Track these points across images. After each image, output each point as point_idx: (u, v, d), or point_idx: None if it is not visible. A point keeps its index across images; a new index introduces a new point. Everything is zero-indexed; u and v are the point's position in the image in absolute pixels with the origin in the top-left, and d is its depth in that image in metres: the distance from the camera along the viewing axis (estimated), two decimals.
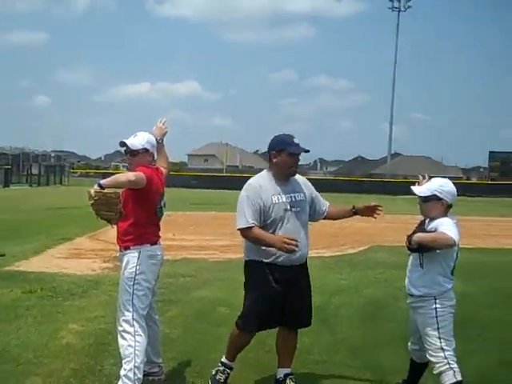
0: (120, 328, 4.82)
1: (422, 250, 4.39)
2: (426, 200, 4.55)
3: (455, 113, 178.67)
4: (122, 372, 4.71)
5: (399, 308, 7.03)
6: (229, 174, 62.74)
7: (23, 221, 18.27)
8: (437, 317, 4.43)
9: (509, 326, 7.11)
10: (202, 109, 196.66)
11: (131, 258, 4.83)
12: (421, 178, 4.87)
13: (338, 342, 6.21)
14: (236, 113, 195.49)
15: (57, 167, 55.59)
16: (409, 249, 4.50)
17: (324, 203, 5.16)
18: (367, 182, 52.67)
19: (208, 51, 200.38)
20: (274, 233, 4.68)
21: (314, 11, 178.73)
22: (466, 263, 11.12)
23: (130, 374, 4.68)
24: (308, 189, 5.00)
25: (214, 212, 24.90)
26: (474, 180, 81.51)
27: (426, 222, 4.56)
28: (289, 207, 4.74)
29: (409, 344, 4.84)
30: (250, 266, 4.86)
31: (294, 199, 4.79)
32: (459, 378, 4.39)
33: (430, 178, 4.78)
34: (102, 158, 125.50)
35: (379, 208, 5.03)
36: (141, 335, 4.77)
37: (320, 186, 6.25)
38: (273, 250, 4.65)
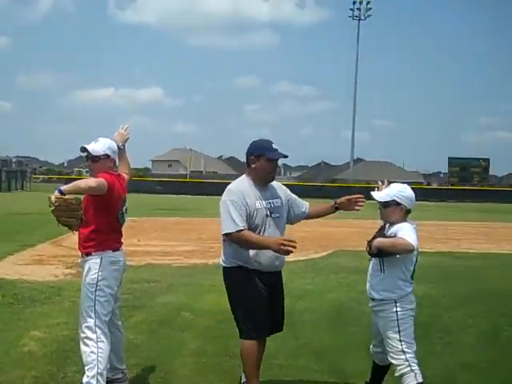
0: (82, 334, 4.77)
1: (381, 254, 4.43)
2: (385, 205, 4.60)
3: (416, 119, 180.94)
4: (85, 379, 4.66)
5: (362, 312, 7.08)
6: (193, 180, 62.55)
7: None
8: (397, 320, 4.47)
9: (470, 328, 7.21)
10: (164, 115, 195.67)
11: (93, 264, 4.79)
12: (380, 183, 4.91)
13: (301, 346, 6.24)
14: (199, 118, 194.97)
15: (18, 173, 54.73)
16: (369, 254, 4.54)
17: (303, 204, 5.11)
18: (330, 187, 52.97)
19: (171, 57, 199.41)
20: None
21: (277, 18, 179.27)
22: (429, 267, 11.34)
23: (93, 381, 4.63)
24: (283, 193, 4.96)
25: (178, 217, 24.78)
26: (434, 185, 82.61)
27: (386, 226, 4.60)
28: (269, 213, 4.70)
29: (371, 347, 4.87)
30: (236, 273, 4.71)
31: (272, 205, 4.75)
32: (420, 379, 4.44)
33: (389, 183, 4.82)
34: (65, 164, 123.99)
35: (361, 199, 5.02)
36: (103, 341, 4.73)
37: None
38: (258, 256, 4.61)
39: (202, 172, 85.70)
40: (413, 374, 4.43)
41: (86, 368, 4.69)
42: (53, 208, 4.38)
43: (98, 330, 4.72)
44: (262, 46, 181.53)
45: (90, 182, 4.72)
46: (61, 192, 4.40)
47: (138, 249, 13.65)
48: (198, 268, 11.49)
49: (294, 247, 4.39)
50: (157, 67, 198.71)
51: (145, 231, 18.18)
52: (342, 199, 5.07)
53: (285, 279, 5.09)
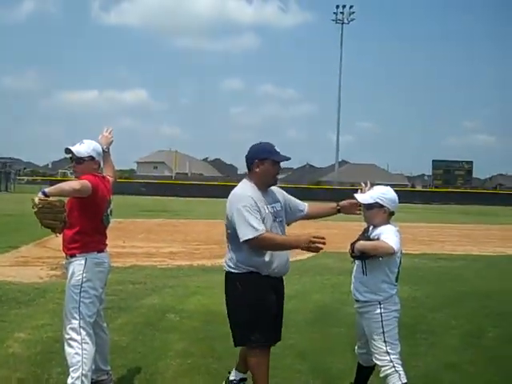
0: (67, 336, 4.75)
1: (364, 257, 4.44)
2: (368, 207, 4.61)
3: (400, 122, 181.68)
4: (70, 380, 4.64)
5: (346, 313, 7.11)
6: (178, 182, 62.43)
7: None
8: (382, 321, 4.49)
9: (454, 329, 7.24)
10: (149, 117, 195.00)
11: (77, 265, 4.77)
12: (363, 185, 4.92)
13: (287, 347, 6.23)
14: (185, 121, 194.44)
15: (2, 174, 54.41)
16: (352, 256, 4.56)
17: (300, 204, 5.00)
18: (315, 189, 53.10)
19: (156, 59, 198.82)
20: None
21: (261, 21, 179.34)
22: (413, 268, 11.41)
23: (78, 382, 4.61)
24: (281, 195, 4.86)
25: (163, 219, 24.73)
26: (418, 187, 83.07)
27: (370, 229, 4.62)
28: (275, 218, 4.62)
29: (356, 348, 4.89)
30: (247, 279, 4.54)
31: (275, 209, 4.66)
32: (404, 380, 4.46)
33: (372, 185, 4.84)
34: (49, 165, 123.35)
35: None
36: (88, 343, 4.71)
37: None
38: (271, 261, 4.52)
39: (187, 174, 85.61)
40: (397, 374, 4.44)
41: (70, 369, 4.67)
42: (36, 210, 4.36)
43: (82, 331, 4.70)
44: (247, 49, 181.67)
45: (73, 184, 4.70)
46: (44, 194, 4.38)
47: (123, 250, 13.63)
48: (183, 270, 11.48)
49: (324, 244, 4.27)
50: (141, 69, 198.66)
51: (130, 233, 18.13)
52: (345, 202, 4.96)
53: None
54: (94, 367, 4.83)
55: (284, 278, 4.82)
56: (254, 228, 4.38)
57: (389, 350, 4.46)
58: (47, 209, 4.42)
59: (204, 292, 8.98)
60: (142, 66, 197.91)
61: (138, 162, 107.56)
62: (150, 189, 53.50)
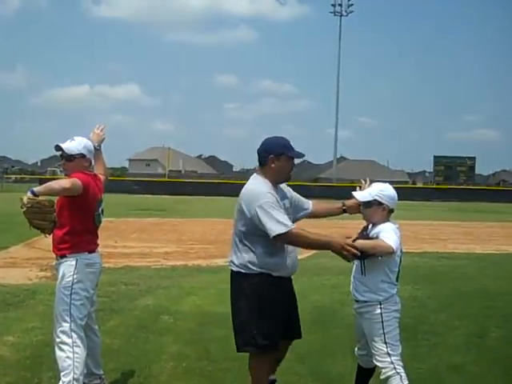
0: (57, 339, 4.74)
1: (363, 256, 4.42)
2: (367, 205, 4.61)
3: (401, 117, 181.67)
4: None
5: (346, 314, 7.11)
6: (172, 179, 62.39)
7: None
8: (382, 322, 4.49)
9: (457, 330, 7.25)
10: (142, 113, 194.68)
11: (68, 266, 4.77)
12: (363, 182, 4.92)
13: None
14: (178, 117, 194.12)
15: None
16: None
17: (305, 202, 4.96)
18: (313, 187, 53.14)
19: (148, 54, 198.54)
20: (281, 245, 4.50)
21: (256, 14, 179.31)
22: (414, 267, 11.41)
23: None
24: (288, 192, 4.82)
25: (156, 218, 24.72)
26: (419, 184, 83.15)
27: (369, 227, 4.62)
28: (287, 214, 4.56)
29: (355, 349, 4.89)
30: (259, 280, 4.49)
31: (285, 206, 4.63)
32: (406, 382, 4.46)
33: (372, 182, 4.83)
34: (38, 164, 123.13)
35: None
36: (79, 346, 4.70)
37: None
38: (284, 261, 4.50)
39: (180, 171, 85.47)
40: (398, 376, 4.44)
41: (61, 374, 4.67)
42: (24, 209, 4.35)
43: (73, 334, 4.69)
44: (241, 43, 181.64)
45: (63, 182, 4.69)
46: (33, 193, 4.38)
47: (115, 251, 13.63)
48: (177, 270, 11.48)
49: (355, 255, 4.29)
50: (133, 64, 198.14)
51: (122, 232, 18.12)
52: (351, 202, 4.92)
53: None
54: (85, 371, 4.83)
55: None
56: (283, 224, 4.33)
57: (389, 352, 4.46)
58: (36, 208, 4.42)
59: (199, 293, 8.98)
60: (134, 61, 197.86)
61: (130, 160, 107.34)
62: (143, 187, 53.44)
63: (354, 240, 4.48)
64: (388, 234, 4.41)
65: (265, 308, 4.51)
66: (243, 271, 4.53)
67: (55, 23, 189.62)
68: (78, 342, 4.71)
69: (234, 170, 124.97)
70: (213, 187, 53.69)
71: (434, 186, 68.44)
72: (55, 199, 4.71)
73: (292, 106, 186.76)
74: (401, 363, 4.49)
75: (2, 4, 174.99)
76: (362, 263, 4.51)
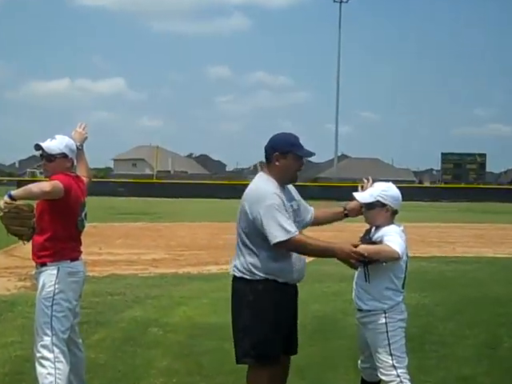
0: (38, 354, 4.74)
1: (366, 262, 4.42)
2: (369, 207, 4.61)
3: (406, 111, 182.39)
4: None
5: (349, 324, 7.12)
6: (160, 181, 62.37)
7: None
8: (387, 332, 4.49)
9: (467, 339, 7.27)
10: (127, 109, 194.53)
11: (49, 275, 4.77)
12: (365, 181, 4.92)
13: None
14: (166, 113, 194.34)
15: None
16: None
17: (309, 209, 4.92)
18: (313, 187, 53.19)
19: (134, 45, 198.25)
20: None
21: (250, 1, 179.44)
22: (422, 273, 11.43)
23: None
24: (295, 193, 4.79)
25: (144, 223, 24.70)
26: (426, 183, 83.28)
27: (372, 230, 4.62)
28: (294, 217, 4.57)
29: (359, 362, 4.89)
30: (264, 287, 4.47)
31: (293, 208, 4.62)
32: None
33: (374, 182, 4.83)
34: (16, 165, 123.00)
35: None
36: (62, 361, 4.70)
37: None
38: (291, 267, 4.48)
39: (169, 172, 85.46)
40: None
41: None
42: (1, 215, 4.35)
43: (55, 348, 4.69)
44: (235, 32, 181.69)
45: (43, 185, 4.68)
46: (11, 197, 4.38)
47: (100, 258, 13.59)
48: (167, 278, 11.46)
49: (362, 262, 4.35)
50: (118, 56, 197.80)
51: (107, 238, 18.11)
52: (353, 204, 4.89)
53: None
54: None
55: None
56: (286, 230, 4.32)
57: (395, 364, 4.46)
58: (14, 214, 4.42)
59: (190, 303, 8.98)
60: (119, 52, 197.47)
61: (114, 160, 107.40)
62: (129, 189, 53.36)
63: (357, 245, 4.49)
64: (392, 237, 4.41)
65: (268, 317, 4.49)
66: (247, 277, 4.51)
67: (33, 12, 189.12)
68: (61, 357, 4.70)
69: (227, 169, 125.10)
70: (205, 189, 53.67)
71: (442, 186, 68.53)
72: (35, 203, 4.70)
73: (289, 98, 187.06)
74: (407, 376, 4.49)
75: None
76: (366, 269, 4.51)
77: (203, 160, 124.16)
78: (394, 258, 4.36)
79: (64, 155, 4.91)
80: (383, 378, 4.53)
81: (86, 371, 5.19)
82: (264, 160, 4.69)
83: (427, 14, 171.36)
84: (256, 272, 4.48)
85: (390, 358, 4.47)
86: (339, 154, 79.91)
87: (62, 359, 4.71)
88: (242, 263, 4.54)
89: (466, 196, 55.00)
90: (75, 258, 4.90)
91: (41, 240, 4.79)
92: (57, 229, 4.79)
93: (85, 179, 5.19)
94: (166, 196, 47.42)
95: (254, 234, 4.46)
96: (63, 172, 4.86)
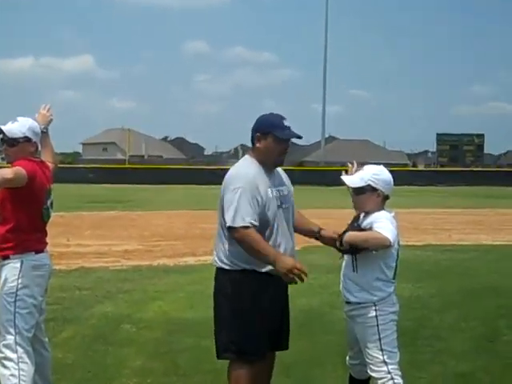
0: (0, 355, 4.73)
1: (354, 251, 4.46)
2: (359, 192, 4.62)
3: (399, 89, 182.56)
4: None
5: (337, 318, 7.15)
6: (133, 166, 62.20)
7: None
8: (377, 326, 4.51)
9: (464, 333, 7.34)
10: (97, 88, 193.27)
11: (11, 269, 4.75)
12: (350, 165, 4.93)
13: None
14: (139, 92, 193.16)
15: None
16: (340, 250, 4.57)
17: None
18: (298, 171, 53.29)
19: (104, 19, 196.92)
20: (270, 236, 4.52)
21: None
22: (415, 262, 11.50)
23: None
24: (287, 180, 4.84)
25: (115, 211, 24.64)
26: (420, 166, 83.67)
27: (361, 217, 4.63)
28: (279, 203, 4.59)
29: (347, 358, 4.92)
30: (242, 278, 4.52)
31: (281, 193, 4.64)
32: None
33: (362, 165, 4.83)
34: None
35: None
36: (26, 362, 4.69)
37: None
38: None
39: (143, 157, 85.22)
40: None
41: None
42: None
43: (19, 348, 4.68)
44: (213, 4, 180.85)
45: (5, 172, 4.66)
46: None
47: (68, 250, 13.54)
48: (140, 271, 11.45)
49: (302, 280, 4.34)
50: (87, 31, 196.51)
51: (75, 229, 18.06)
52: (327, 233, 4.86)
53: None
54: None
55: None
56: (241, 217, 4.36)
57: (386, 360, 4.49)
58: None
59: (165, 297, 8.99)
60: (87, 27, 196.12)
61: (83, 144, 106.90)
62: (99, 175, 53.17)
63: (344, 232, 4.51)
64: (383, 223, 4.42)
65: (248, 309, 4.52)
66: (226, 267, 4.56)
67: None
68: (25, 358, 4.69)
69: (205, 153, 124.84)
70: (181, 174, 53.54)
71: (438, 169, 68.87)
72: None
73: (272, 76, 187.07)
74: (399, 372, 4.53)
75: None
76: (354, 259, 4.53)
77: (179, 143, 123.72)
78: (384, 246, 4.36)
79: (27, 139, 4.88)
80: (373, 374, 4.56)
81: (52, 372, 5.19)
82: (247, 144, 4.72)
83: None
84: (235, 261, 4.52)
85: (380, 353, 4.49)
86: (327, 136, 79.84)
87: (27, 359, 4.70)
88: (223, 252, 4.58)
89: (463, 179, 55.27)
90: (40, 250, 4.89)
91: (2, 231, 4.77)
92: (20, 219, 4.77)
93: (50, 165, 5.17)
94: (139, 182, 47.29)
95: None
96: (26, 157, 4.83)
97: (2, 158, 5.78)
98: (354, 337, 4.68)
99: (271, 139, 4.57)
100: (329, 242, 4.82)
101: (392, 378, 4.48)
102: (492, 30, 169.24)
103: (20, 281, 4.73)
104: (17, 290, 4.72)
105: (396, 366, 4.53)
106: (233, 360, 4.58)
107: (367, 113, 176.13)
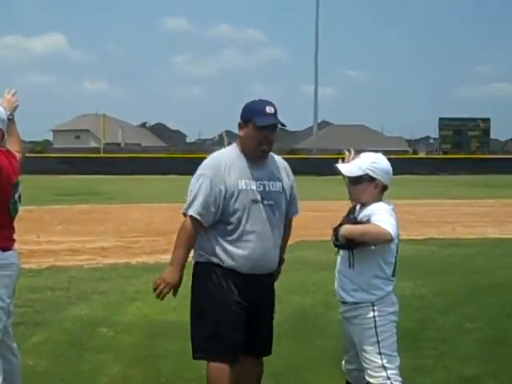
0: None
1: (351, 246, 4.46)
2: (355, 181, 4.62)
3: (399, 69, 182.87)
4: None
5: (331, 319, 7.17)
6: (108, 155, 62.09)
7: None
8: (376, 327, 4.52)
9: (470, 334, 7.36)
10: (68, 70, 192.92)
11: None
12: (346, 153, 4.92)
13: None
14: (114, 75, 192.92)
15: None
16: (335, 245, 4.57)
17: (296, 210, 5.00)
18: (289, 160, 53.36)
19: None
20: (235, 229, 4.56)
21: None
22: (417, 258, 11.54)
23: None
24: (287, 176, 4.86)
25: (89, 205, 24.60)
26: (421, 154, 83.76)
27: (357, 208, 4.64)
28: (259, 198, 4.60)
29: (343, 363, 4.93)
30: (204, 271, 4.65)
31: (266, 188, 4.65)
32: None
33: (358, 153, 4.83)
34: None
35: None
36: None
37: None
38: (238, 249, 4.55)
39: (119, 145, 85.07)
40: None
41: None
42: None
43: None
44: None
45: None
46: None
47: (38, 247, 13.53)
48: (117, 270, 11.46)
49: (157, 297, 4.61)
50: (57, 8, 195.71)
51: (46, 224, 18.02)
52: (279, 269, 5.08)
53: None
54: None
55: (271, 276, 4.88)
56: (192, 207, 4.53)
57: (385, 364, 4.50)
58: None
59: (145, 298, 8.95)
60: (57, 4, 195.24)
61: (54, 131, 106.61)
62: (72, 165, 53.07)
63: (339, 226, 4.51)
64: (382, 216, 4.41)
65: (206, 306, 4.62)
66: (195, 260, 4.73)
67: None
68: None
69: (187, 141, 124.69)
70: (161, 163, 53.50)
71: (440, 156, 68.97)
72: None
73: (260, 56, 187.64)
74: (399, 378, 4.54)
75: None
76: (350, 254, 4.54)
77: (159, 130, 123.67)
78: (385, 240, 4.36)
79: None
80: (371, 380, 4.56)
81: (22, 380, 5.17)
82: (232, 130, 4.76)
83: None
84: (202, 253, 4.65)
85: (378, 357, 4.50)
86: (319, 121, 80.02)
87: None
88: (197, 245, 4.69)
89: (468, 168, 55.39)
90: (7, 248, 4.87)
91: None
92: None
93: (17, 155, 5.14)
94: (115, 173, 47.22)
95: None
96: None
97: None
98: (351, 339, 4.69)
99: (251, 127, 4.61)
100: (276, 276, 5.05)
101: None
102: (496, 4, 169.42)
103: None
104: None
105: (396, 371, 4.53)
106: (210, 361, 4.64)
107: (363, 95, 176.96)
